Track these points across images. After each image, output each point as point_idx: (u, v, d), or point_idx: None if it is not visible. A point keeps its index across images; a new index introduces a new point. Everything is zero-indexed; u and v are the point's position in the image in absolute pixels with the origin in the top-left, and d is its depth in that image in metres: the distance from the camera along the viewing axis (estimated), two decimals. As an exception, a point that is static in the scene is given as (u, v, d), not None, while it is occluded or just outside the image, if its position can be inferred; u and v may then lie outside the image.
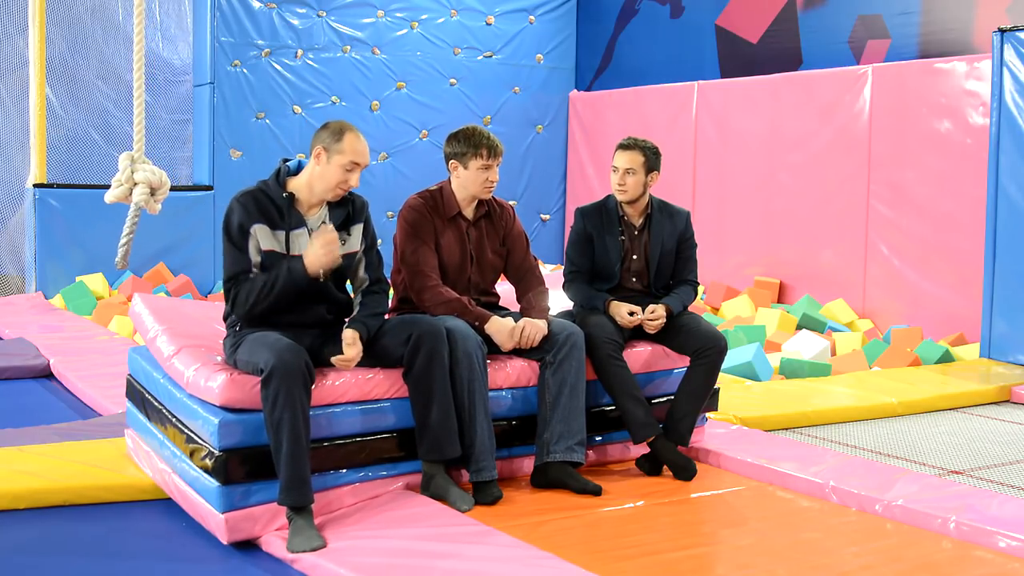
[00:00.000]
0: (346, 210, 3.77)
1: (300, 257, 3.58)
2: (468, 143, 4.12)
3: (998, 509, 3.68)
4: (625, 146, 4.44)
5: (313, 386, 3.49)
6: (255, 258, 3.62)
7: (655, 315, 4.32)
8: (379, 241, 3.95)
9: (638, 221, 4.49)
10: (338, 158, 3.62)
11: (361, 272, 3.86)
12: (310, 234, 3.66)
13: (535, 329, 4.02)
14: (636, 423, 4.17)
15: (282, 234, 3.64)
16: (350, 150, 3.61)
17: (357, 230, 3.81)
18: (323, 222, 3.71)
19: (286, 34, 9.75)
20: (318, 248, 3.56)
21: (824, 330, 7.71)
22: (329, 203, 3.74)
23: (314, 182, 3.66)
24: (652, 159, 4.43)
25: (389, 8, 10.20)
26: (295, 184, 3.69)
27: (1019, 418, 5.64)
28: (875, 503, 3.80)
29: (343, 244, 3.76)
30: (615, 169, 4.42)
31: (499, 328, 4.01)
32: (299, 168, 3.76)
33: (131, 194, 3.86)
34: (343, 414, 3.63)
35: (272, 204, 3.65)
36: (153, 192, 3.89)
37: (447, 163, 4.19)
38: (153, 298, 4.30)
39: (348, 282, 3.89)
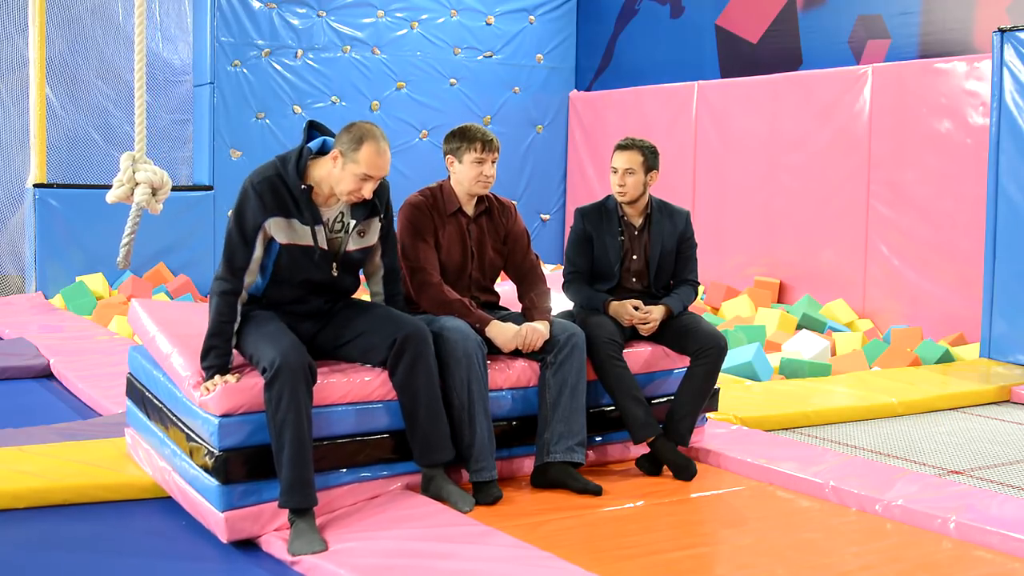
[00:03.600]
0: (371, 203, 3.69)
1: (220, 372, 3.45)
2: (463, 138, 4.13)
3: (998, 509, 3.68)
4: (623, 146, 4.44)
5: (315, 384, 3.49)
6: (258, 251, 3.54)
7: (649, 316, 4.32)
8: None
9: (638, 221, 4.49)
10: (352, 167, 3.51)
11: (376, 259, 3.84)
12: (325, 230, 3.61)
13: (536, 335, 4.01)
14: (636, 423, 4.17)
15: (304, 229, 3.55)
16: (364, 163, 3.50)
17: (375, 222, 3.75)
18: (340, 213, 3.64)
19: (286, 34, 9.75)
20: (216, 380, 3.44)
21: (824, 330, 7.71)
22: None
23: (331, 180, 3.58)
24: (651, 158, 4.43)
25: (389, 8, 10.20)
26: (314, 175, 3.59)
27: (1019, 418, 5.64)
28: (875, 503, 3.80)
29: (361, 236, 3.69)
30: (614, 170, 4.42)
31: (499, 333, 4.01)
32: (322, 148, 3.63)
33: (133, 194, 3.86)
34: (343, 414, 3.63)
35: (289, 194, 3.54)
36: (155, 192, 3.89)
37: (445, 160, 4.20)
38: (151, 303, 4.29)
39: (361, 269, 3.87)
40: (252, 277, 3.58)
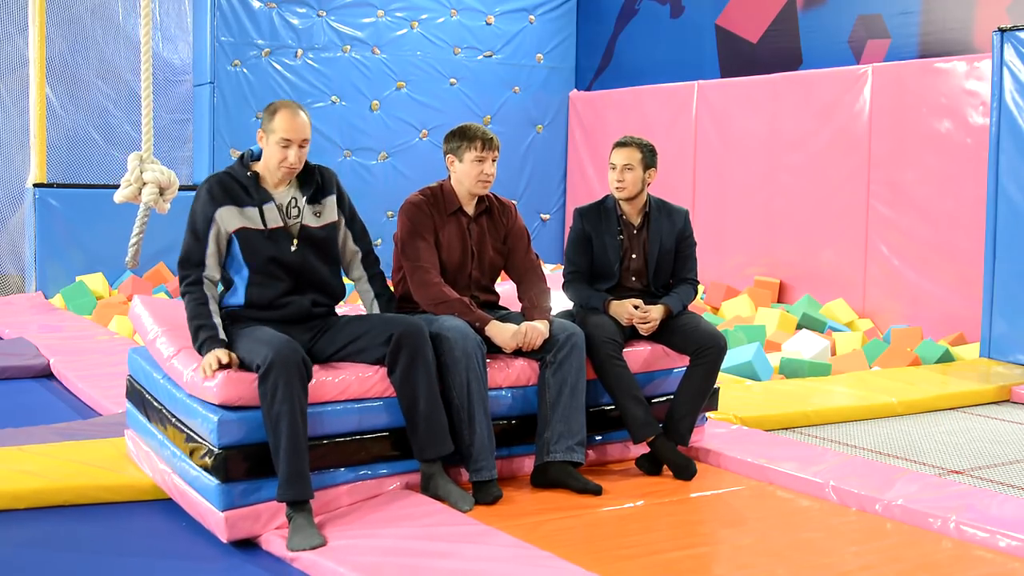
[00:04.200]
0: (313, 183, 3.82)
1: (213, 345, 3.50)
2: (463, 136, 4.15)
3: (998, 509, 3.68)
4: (622, 143, 4.46)
5: (311, 381, 3.50)
6: (211, 247, 3.67)
7: (648, 316, 4.32)
8: (369, 226, 4.01)
9: (637, 220, 4.49)
10: (272, 137, 3.68)
11: (351, 244, 3.93)
12: (278, 209, 3.73)
13: (536, 333, 4.01)
14: (636, 423, 4.17)
15: (253, 210, 3.69)
16: (280, 128, 3.65)
17: (330, 202, 3.85)
18: (293, 197, 3.76)
19: (286, 34, 9.75)
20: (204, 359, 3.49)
21: (824, 330, 7.71)
22: (297, 177, 3.80)
23: (265, 162, 3.74)
24: (649, 156, 4.44)
25: (389, 8, 10.20)
26: (259, 165, 3.76)
27: (1019, 418, 5.64)
28: (875, 503, 3.80)
29: (318, 216, 3.80)
30: (612, 167, 4.43)
31: (499, 332, 4.01)
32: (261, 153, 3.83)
33: (140, 194, 3.88)
34: (343, 412, 3.63)
35: (238, 184, 3.71)
36: (162, 192, 3.91)
37: (446, 160, 4.20)
38: (153, 300, 4.30)
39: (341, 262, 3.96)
40: (213, 273, 3.69)
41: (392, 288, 4.17)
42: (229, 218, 3.67)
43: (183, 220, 3.78)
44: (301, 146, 3.69)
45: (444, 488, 3.70)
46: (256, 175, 3.73)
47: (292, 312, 3.74)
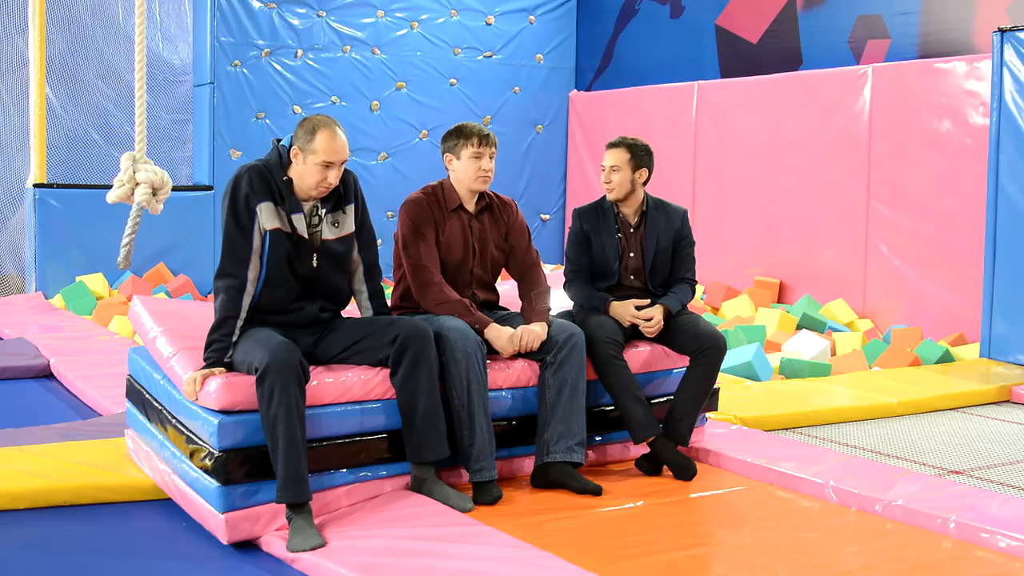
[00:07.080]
0: (335, 192, 3.76)
1: (216, 359, 3.50)
2: (459, 135, 4.15)
3: (998, 509, 3.68)
4: (612, 144, 4.50)
5: (312, 383, 3.50)
6: (256, 241, 3.59)
7: (652, 321, 4.32)
8: (378, 238, 3.96)
9: (634, 219, 4.50)
10: (312, 158, 3.59)
11: (354, 254, 3.87)
12: (305, 219, 3.67)
13: (532, 337, 4.01)
14: (636, 423, 4.17)
15: (284, 215, 3.63)
16: (322, 150, 3.58)
17: (349, 210, 3.81)
18: (315, 206, 3.71)
19: (286, 34, 9.75)
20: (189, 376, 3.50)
21: (824, 330, 7.71)
22: None
23: (298, 179, 3.66)
24: (639, 156, 4.44)
25: (389, 8, 10.20)
26: (292, 172, 3.68)
27: (1019, 418, 5.64)
28: (875, 503, 3.80)
29: (336, 227, 3.75)
30: (603, 168, 4.46)
31: (498, 335, 4.01)
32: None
33: (133, 194, 3.86)
34: (344, 413, 3.63)
35: (275, 182, 3.63)
36: (155, 192, 3.89)
37: (444, 159, 4.20)
38: (152, 300, 4.30)
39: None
40: (255, 272, 3.61)
41: (389, 300, 4.15)
42: (268, 215, 3.60)
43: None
44: (340, 166, 3.64)
45: (441, 491, 3.69)
46: (290, 180, 3.66)
47: (300, 318, 3.72)
